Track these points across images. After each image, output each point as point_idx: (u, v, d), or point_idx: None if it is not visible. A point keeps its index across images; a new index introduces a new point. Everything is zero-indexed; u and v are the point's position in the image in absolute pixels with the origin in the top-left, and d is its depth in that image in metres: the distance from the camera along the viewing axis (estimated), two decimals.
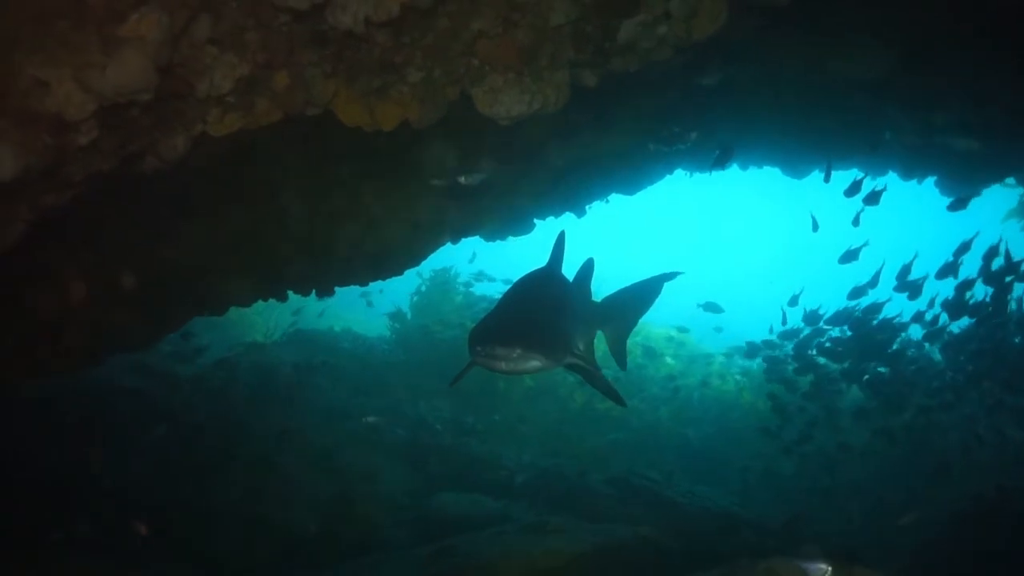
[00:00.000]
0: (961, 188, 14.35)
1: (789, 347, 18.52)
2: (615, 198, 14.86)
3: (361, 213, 9.55)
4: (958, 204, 13.82)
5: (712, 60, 8.87)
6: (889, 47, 9.78)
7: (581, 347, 5.67)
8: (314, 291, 11.32)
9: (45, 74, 4.79)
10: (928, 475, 16.35)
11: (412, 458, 16.05)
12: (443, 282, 24.08)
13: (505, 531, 11.89)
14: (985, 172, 13.96)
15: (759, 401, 19.84)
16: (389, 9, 5.78)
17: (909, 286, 15.82)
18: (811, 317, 17.73)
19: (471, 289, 24.12)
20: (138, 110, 5.51)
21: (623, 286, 7.16)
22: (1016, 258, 14.78)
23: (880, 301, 16.71)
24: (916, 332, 17.64)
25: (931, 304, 16.71)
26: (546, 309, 5.32)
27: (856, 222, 14.75)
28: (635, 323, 7.36)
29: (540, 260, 6.29)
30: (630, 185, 14.01)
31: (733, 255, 76.44)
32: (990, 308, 15.71)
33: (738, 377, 23.29)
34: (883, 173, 14.93)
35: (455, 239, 11.67)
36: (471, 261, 24.91)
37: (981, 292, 15.68)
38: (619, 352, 6.86)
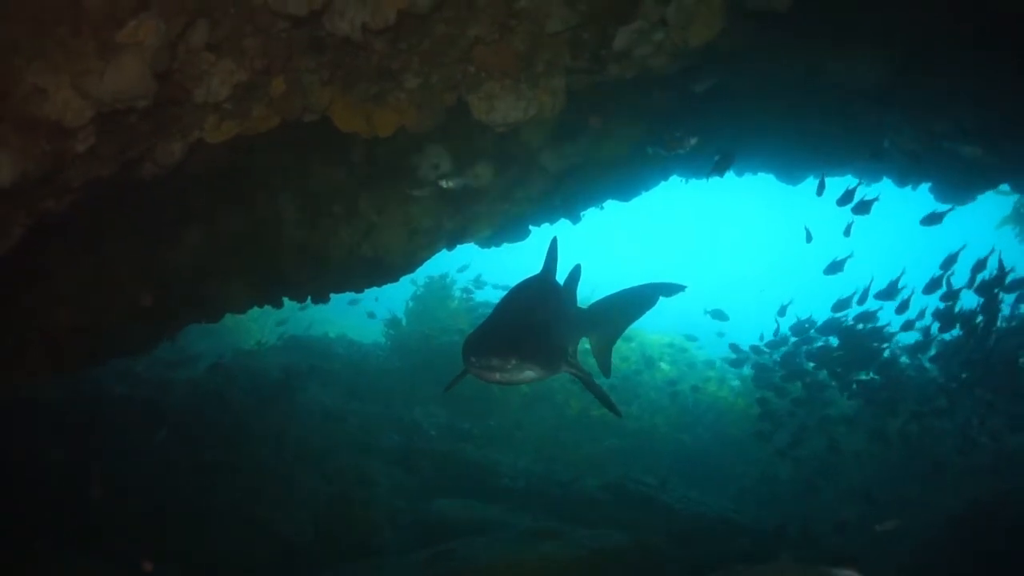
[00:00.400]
0: (955, 195, 14.40)
1: (776, 355, 18.66)
2: (611, 204, 14.89)
3: (357, 219, 9.55)
4: (932, 219, 13.90)
5: (708, 66, 8.88)
6: (887, 52, 9.80)
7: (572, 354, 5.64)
8: (310, 297, 11.32)
9: (43, 80, 4.80)
10: (923, 478, 16.41)
11: (408, 463, 16.06)
12: (439, 288, 24.09)
13: (501, 536, 11.90)
14: (980, 178, 13.98)
15: (754, 407, 19.89)
16: (386, 16, 5.79)
17: (899, 306, 16.05)
18: (799, 327, 17.89)
19: (472, 295, 24.08)
20: (136, 116, 5.51)
21: (610, 292, 7.17)
22: (1011, 264, 14.86)
23: (871, 309, 16.82)
24: (908, 339, 17.78)
25: (921, 315, 16.84)
26: (541, 317, 5.24)
27: (847, 232, 14.84)
28: (622, 331, 7.32)
29: (535, 265, 6.28)
30: (626, 191, 14.03)
31: (727, 261, 76.67)
32: (980, 318, 15.80)
33: (735, 383, 23.32)
34: (878, 179, 14.97)
35: (450, 245, 11.67)
36: (461, 271, 24.83)
37: (971, 300, 15.82)
38: (604, 359, 6.80)
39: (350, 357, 22.76)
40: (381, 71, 6.79)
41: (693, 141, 9.25)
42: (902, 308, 16.32)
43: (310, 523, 12.61)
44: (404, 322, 23.38)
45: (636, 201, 15.07)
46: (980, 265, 15.17)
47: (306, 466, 14.10)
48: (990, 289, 15.22)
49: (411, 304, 23.83)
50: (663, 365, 24.26)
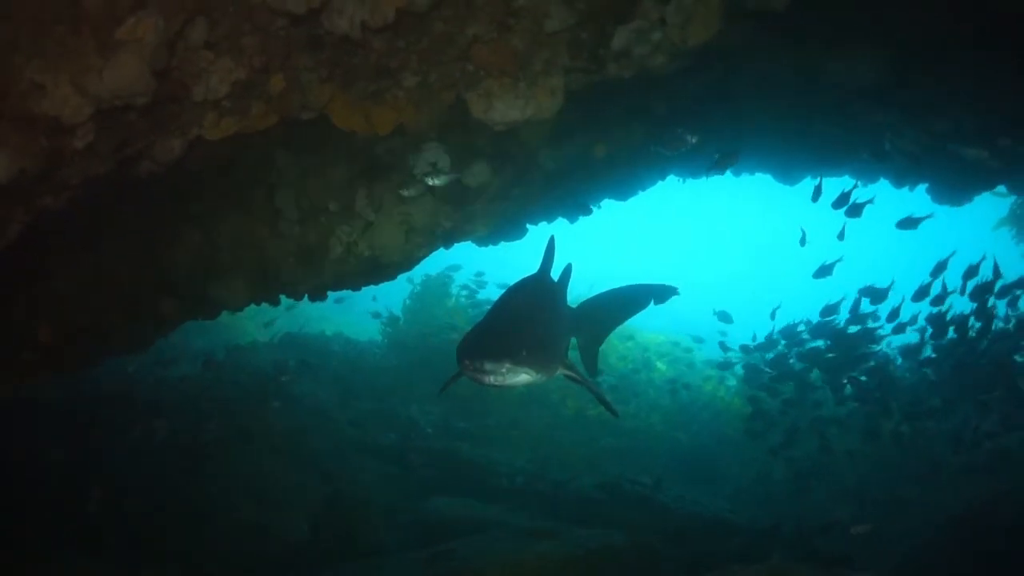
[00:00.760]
0: (952, 196, 14.42)
1: (767, 356, 18.79)
2: (608, 203, 14.90)
3: (354, 218, 9.55)
4: (907, 224, 13.93)
5: (707, 66, 8.88)
6: (887, 52, 9.81)
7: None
8: (307, 295, 11.31)
9: (42, 77, 4.80)
10: (918, 479, 16.45)
11: (404, 462, 16.07)
12: (436, 287, 24.06)
13: (499, 536, 11.91)
14: (978, 180, 14.00)
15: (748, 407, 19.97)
16: (385, 14, 5.80)
17: (890, 314, 16.17)
18: (789, 331, 18.00)
19: (476, 293, 24.04)
20: (135, 114, 5.51)
21: (600, 292, 7.14)
22: (1008, 265, 14.91)
23: (864, 312, 16.90)
24: (899, 340, 17.87)
25: (913, 320, 16.93)
26: (537, 319, 5.18)
27: (841, 235, 14.89)
28: (610, 331, 7.30)
29: (533, 262, 6.26)
30: (623, 190, 14.05)
31: (724, 261, 76.71)
32: (973, 322, 15.89)
33: (732, 383, 23.37)
34: (875, 180, 14.98)
35: (447, 244, 11.67)
36: (454, 270, 24.74)
37: (964, 302, 15.91)
38: (590, 359, 6.75)
39: (346, 355, 22.77)
40: (380, 69, 6.79)
41: (694, 139, 9.23)
42: (893, 316, 16.49)
43: (307, 522, 12.61)
44: (402, 320, 23.36)
45: (633, 200, 15.10)
46: (972, 271, 15.28)
47: (303, 465, 14.10)
48: (983, 294, 15.30)
49: (409, 302, 23.80)
50: (660, 365, 24.27)
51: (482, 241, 12.58)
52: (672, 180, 15.77)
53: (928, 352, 17.53)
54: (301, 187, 8.96)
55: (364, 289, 11.57)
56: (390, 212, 9.60)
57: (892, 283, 16.21)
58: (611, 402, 5.85)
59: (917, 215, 13.96)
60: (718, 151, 10.80)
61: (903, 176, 14.57)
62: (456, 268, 24.55)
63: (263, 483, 13.13)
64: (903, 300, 16.26)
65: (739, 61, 9.69)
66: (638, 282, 7.24)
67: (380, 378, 20.62)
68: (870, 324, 16.99)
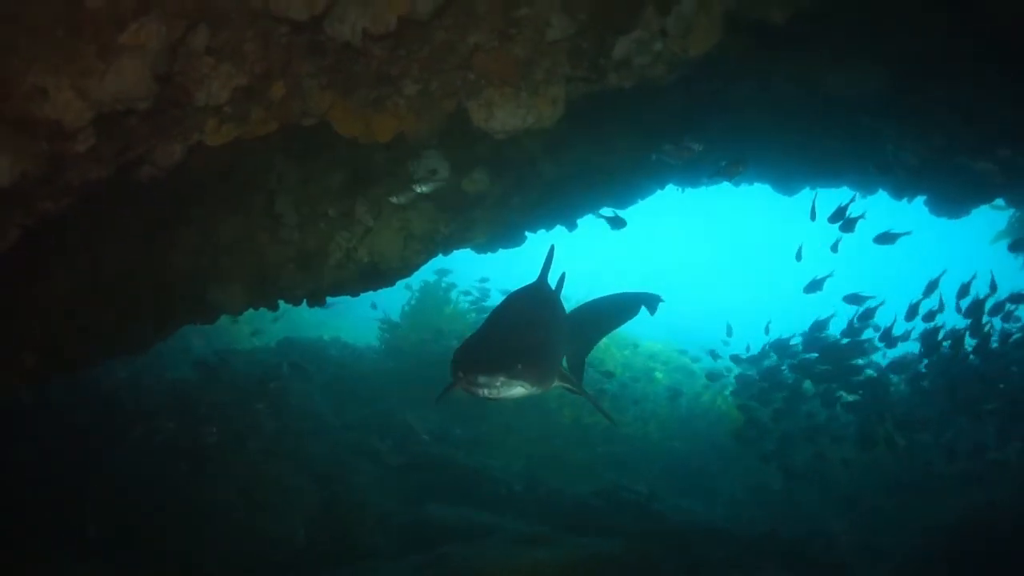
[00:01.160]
0: (950, 209, 14.46)
1: (758, 368, 18.94)
2: (606, 211, 14.92)
3: (354, 224, 9.56)
4: (885, 239, 13.99)
5: (708, 77, 8.92)
6: (885, 66, 9.86)
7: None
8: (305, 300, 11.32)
9: (44, 81, 4.81)
10: (910, 489, 16.48)
11: (400, 467, 16.05)
12: (435, 293, 24.05)
13: (494, 542, 11.91)
14: (976, 192, 14.03)
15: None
16: (387, 22, 5.82)
17: (883, 334, 16.27)
18: (780, 345, 18.12)
19: (483, 298, 24.03)
20: (136, 118, 5.53)
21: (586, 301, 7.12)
22: (1006, 278, 14.97)
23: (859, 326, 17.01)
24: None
25: (905, 336, 17.03)
26: (534, 330, 5.13)
27: (835, 248, 14.96)
28: (597, 341, 7.27)
29: (527, 269, 6.24)
30: (622, 199, 14.07)
31: (722, 270, 76.69)
32: (967, 339, 16.00)
33: (727, 394, 23.42)
34: (873, 192, 15.02)
35: (446, 251, 11.69)
36: (444, 277, 24.68)
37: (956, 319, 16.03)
38: (577, 369, 6.64)
39: (343, 359, 22.75)
40: (380, 77, 6.81)
41: (699, 147, 9.27)
42: (886, 336, 16.62)
43: (302, 526, 12.61)
44: (400, 325, 23.34)
45: (632, 209, 15.11)
46: (964, 290, 15.42)
47: (299, 468, 14.09)
48: (976, 311, 15.43)
49: (407, 308, 23.79)
50: (658, 374, 24.29)
51: (481, 248, 12.60)
52: (671, 189, 15.80)
53: (921, 367, 17.62)
54: (301, 193, 8.97)
55: (362, 296, 11.57)
56: (389, 218, 9.63)
57: (883, 302, 16.42)
58: (609, 411, 5.83)
59: (895, 231, 14.01)
60: (725, 158, 10.83)
61: (902, 188, 14.61)
62: (445, 272, 24.51)
63: (259, 486, 13.11)
64: (895, 319, 16.46)
65: (739, 72, 9.73)
66: (636, 289, 7.24)
67: (377, 383, 20.60)
68: (865, 336, 17.09)
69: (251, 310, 10.63)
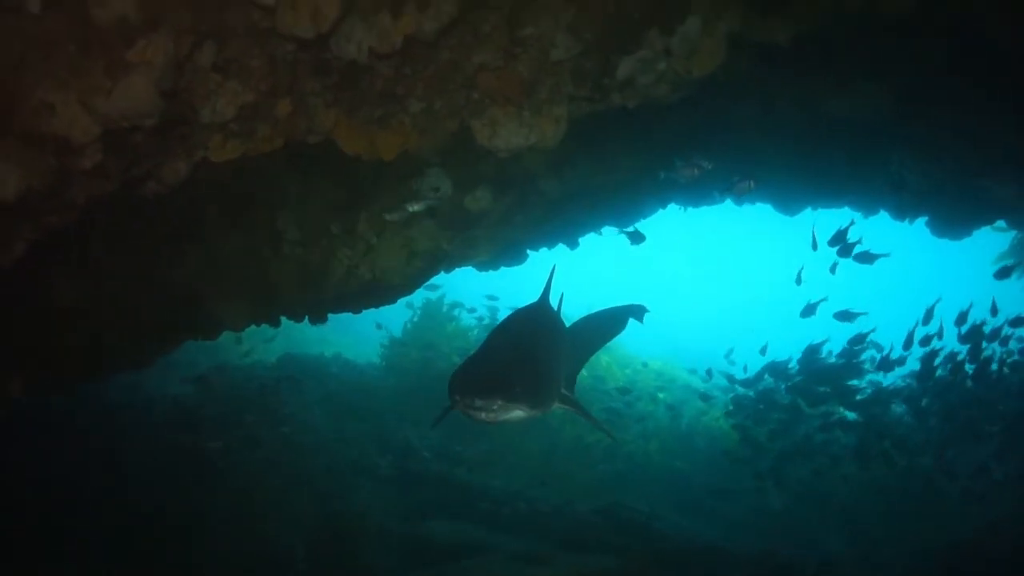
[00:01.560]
0: (952, 230, 14.47)
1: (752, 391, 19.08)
2: (609, 231, 14.93)
3: (356, 241, 9.58)
4: (865, 258, 14.03)
5: (711, 97, 8.95)
6: (889, 90, 9.90)
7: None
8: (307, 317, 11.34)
9: (52, 97, 4.84)
10: (910, 509, 16.51)
11: (400, 484, 16.03)
12: (437, 311, 24.05)
13: (492, 560, 11.90)
14: (977, 214, 14.04)
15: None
16: (393, 41, 5.85)
17: (881, 362, 16.38)
18: (774, 367, 18.23)
19: (494, 313, 24.04)
20: (142, 135, 5.55)
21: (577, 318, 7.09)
22: (1009, 299, 15.03)
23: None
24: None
25: (902, 361, 17.14)
26: (533, 352, 5.07)
27: (833, 270, 15.04)
28: (589, 356, 7.21)
29: (525, 286, 6.22)
30: (625, 218, 14.07)
31: (722, 289, 76.74)
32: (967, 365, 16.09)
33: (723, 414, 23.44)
34: (875, 212, 15.04)
35: (448, 268, 11.71)
36: (434, 292, 24.63)
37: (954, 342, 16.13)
38: (568, 385, 6.36)
39: (344, 376, 22.72)
40: (385, 95, 6.84)
41: (708, 165, 9.27)
42: (883, 363, 16.73)
43: (302, 543, 12.58)
44: (401, 343, 23.33)
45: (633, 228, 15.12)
46: (962, 318, 15.52)
47: (298, 485, 14.07)
48: (975, 336, 15.52)
49: (409, 326, 23.79)
50: (661, 395, 24.27)
51: (483, 266, 12.62)
52: (673, 208, 15.81)
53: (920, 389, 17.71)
54: (303, 209, 8.99)
55: (365, 313, 11.59)
56: (391, 236, 9.65)
57: (874, 328, 16.57)
58: (610, 429, 5.79)
59: (875, 251, 14.03)
60: (730, 178, 10.84)
61: (903, 209, 14.63)
62: (434, 288, 24.50)
63: (258, 501, 13.10)
64: (891, 347, 16.59)
65: (742, 93, 9.76)
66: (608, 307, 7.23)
67: (378, 400, 20.57)
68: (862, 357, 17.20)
69: (253, 326, 10.67)
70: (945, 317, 16.32)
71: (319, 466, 15.19)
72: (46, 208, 5.56)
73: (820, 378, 17.28)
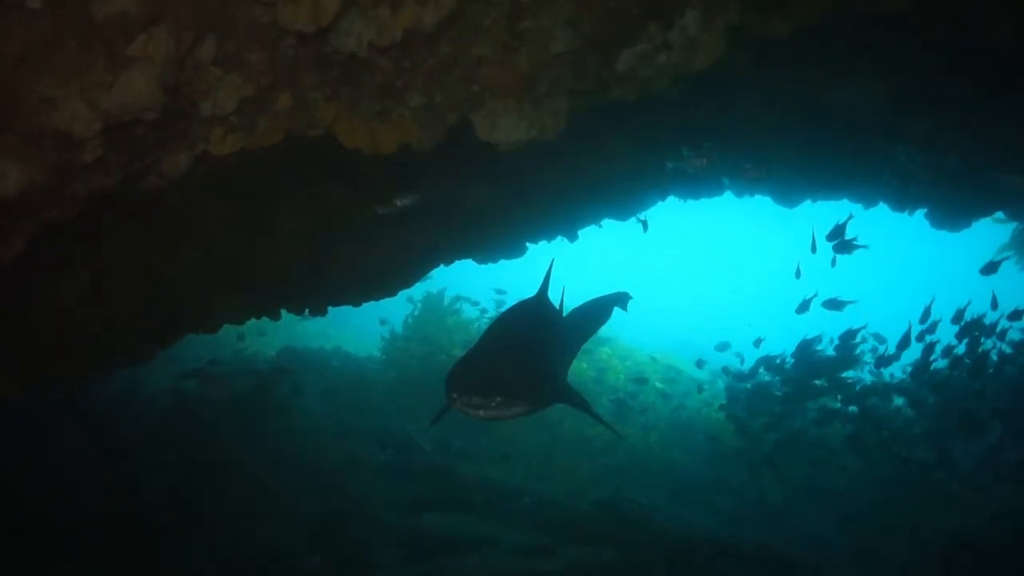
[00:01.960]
0: (951, 222, 14.48)
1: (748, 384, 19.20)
2: (609, 223, 14.94)
3: (356, 234, 9.60)
4: (843, 247, 14.05)
5: (711, 90, 8.95)
6: (889, 86, 9.90)
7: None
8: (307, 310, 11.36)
9: (53, 92, 4.85)
10: (907, 503, 16.55)
11: (401, 478, 16.05)
12: (438, 304, 24.06)
13: (493, 553, 11.92)
14: (978, 205, 14.04)
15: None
16: (392, 34, 5.86)
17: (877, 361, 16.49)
18: (769, 360, 18.33)
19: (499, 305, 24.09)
20: (143, 128, 5.56)
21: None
22: (1009, 291, 15.05)
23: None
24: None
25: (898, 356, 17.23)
26: (532, 347, 5.01)
27: (833, 263, 15.06)
28: (579, 348, 7.20)
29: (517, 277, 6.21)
30: (623, 210, 14.08)
31: (721, 282, 76.82)
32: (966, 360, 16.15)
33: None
34: (874, 204, 15.04)
35: (448, 261, 11.73)
36: (441, 288, 24.64)
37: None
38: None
39: (344, 369, 22.75)
40: (385, 88, 6.84)
41: (716, 155, 9.30)
42: (880, 362, 16.81)
43: (303, 537, 12.59)
44: (402, 337, 23.35)
45: (633, 221, 15.12)
46: (959, 315, 15.56)
47: (299, 479, 14.10)
48: (973, 330, 15.57)
49: (410, 320, 23.81)
50: (658, 384, 24.31)
51: (482, 259, 12.64)
52: (672, 200, 15.82)
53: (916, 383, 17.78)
54: (303, 203, 9.01)
55: (365, 306, 11.60)
56: (390, 229, 9.66)
57: (865, 325, 16.58)
58: (613, 424, 5.76)
59: (858, 242, 14.03)
60: (750, 161, 10.84)
61: (903, 201, 14.63)
62: (434, 281, 24.54)
63: (258, 497, 13.12)
64: (885, 347, 16.68)
65: (742, 86, 9.76)
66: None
67: (378, 393, 20.61)
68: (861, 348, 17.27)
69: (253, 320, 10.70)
70: (945, 310, 16.36)
71: (319, 460, 15.21)
72: (47, 203, 5.57)
73: (814, 371, 17.34)
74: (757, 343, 20.29)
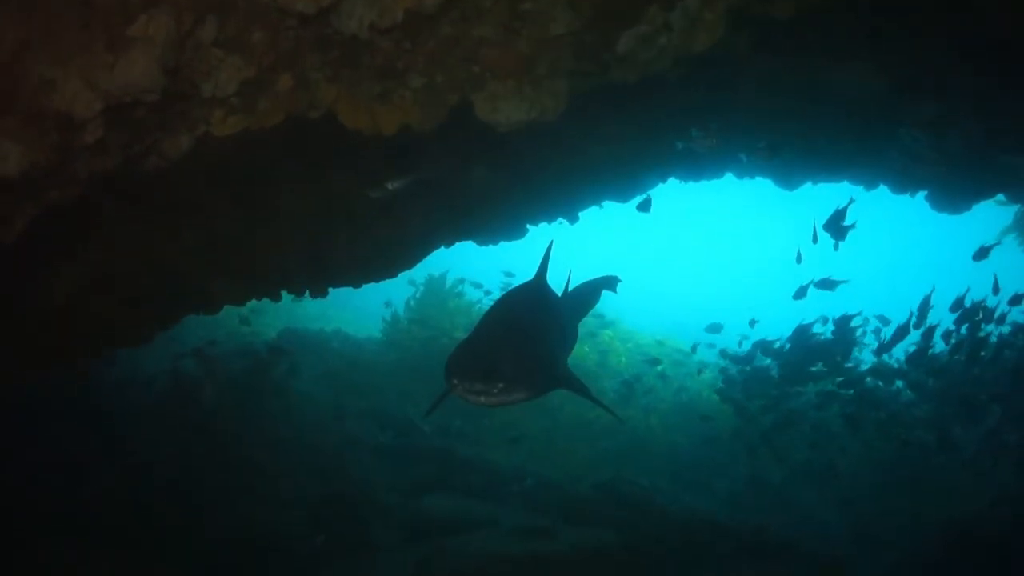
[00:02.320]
0: (952, 204, 14.46)
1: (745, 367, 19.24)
2: (610, 205, 14.92)
3: (355, 216, 9.59)
4: (839, 233, 14.05)
5: (712, 71, 8.93)
6: (890, 66, 9.88)
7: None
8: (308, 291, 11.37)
9: (53, 73, 4.85)
10: (910, 488, 16.58)
11: (401, 460, 16.10)
12: (440, 287, 24.06)
13: (493, 534, 11.96)
14: (980, 187, 14.01)
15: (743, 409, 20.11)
16: (394, 15, 5.85)
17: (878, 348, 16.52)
18: (765, 344, 18.37)
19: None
20: (144, 110, 5.56)
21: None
22: (1011, 273, 15.05)
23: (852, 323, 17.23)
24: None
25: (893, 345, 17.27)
26: (533, 331, 4.96)
27: (836, 246, 15.04)
28: (575, 331, 7.21)
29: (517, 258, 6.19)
30: (624, 192, 14.06)
31: (721, 264, 76.79)
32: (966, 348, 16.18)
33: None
34: (875, 186, 15.01)
35: (448, 243, 11.72)
36: (444, 271, 24.64)
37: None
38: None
39: (344, 351, 22.76)
40: (386, 69, 6.83)
41: (720, 138, 9.30)
42: (881, 350, 16.84)
43: (303, 519, 12.63)
44: (403, 319, 23.35)
45: (633, 203, 15.10)
46: (958, 304, 15.57)
47: (298, 462, 14.12)
48: (972, 315, 15.59)
49: (412, 303, 23.81)
50: (658, 368, 24.34)
51: (482, 240, 12.64)
52: (673, 183, 15.79)
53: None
54: (304, 185, 9.01)
55: (365, 288, 11.61)
56: (390, 210, 9.66)
57: (860, 312, 16.69)
58: (614, 408, 5.73)
59: (847, 224, 14.03)
60: (764, 140, 10.82)
61: (903, 183, 14.60)
62: (440, 264, 24.55)
63: (258, 479, 13.15)
64: (882, 334, 16.70)
65: (744, 67, 9.74)
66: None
67: (379, 376, 20.62)
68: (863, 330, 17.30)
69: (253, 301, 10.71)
70: (946, 294, 16.36)
71: (319, 441, 15.23)
72: (48, 184, 5.58)
73: (811, 355, 17.38)
74: (752, 324, 20.27)
